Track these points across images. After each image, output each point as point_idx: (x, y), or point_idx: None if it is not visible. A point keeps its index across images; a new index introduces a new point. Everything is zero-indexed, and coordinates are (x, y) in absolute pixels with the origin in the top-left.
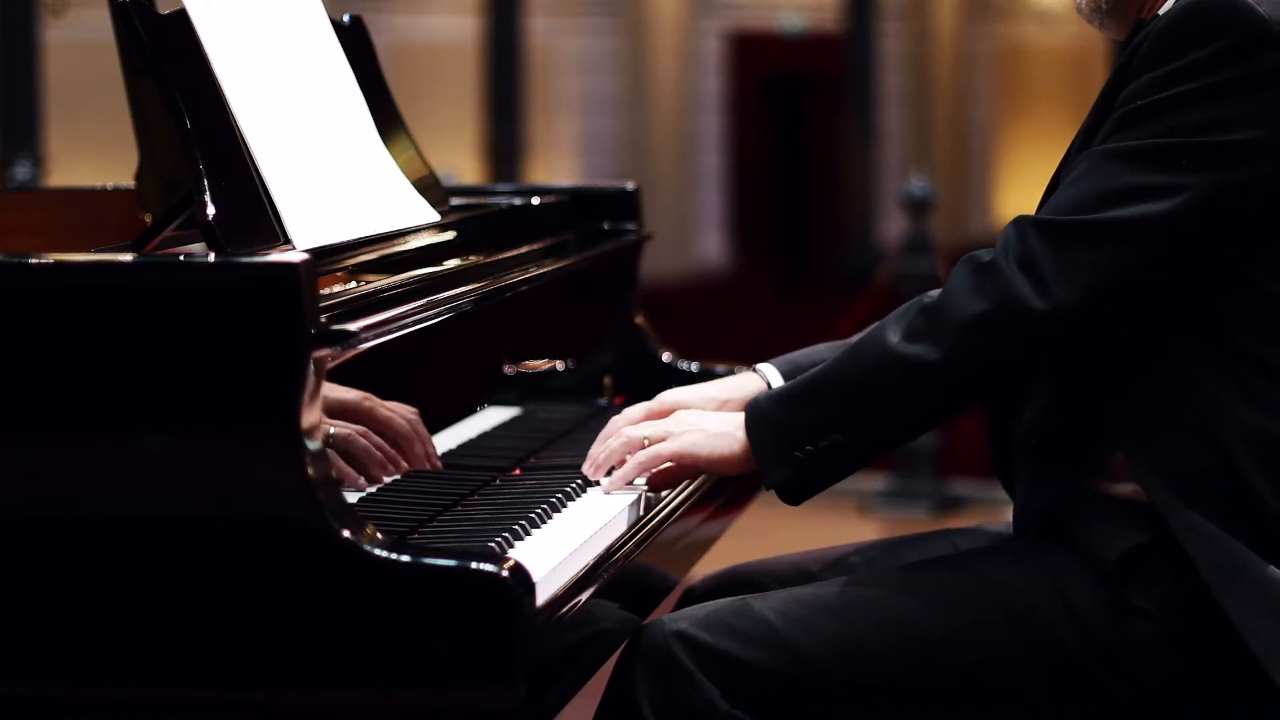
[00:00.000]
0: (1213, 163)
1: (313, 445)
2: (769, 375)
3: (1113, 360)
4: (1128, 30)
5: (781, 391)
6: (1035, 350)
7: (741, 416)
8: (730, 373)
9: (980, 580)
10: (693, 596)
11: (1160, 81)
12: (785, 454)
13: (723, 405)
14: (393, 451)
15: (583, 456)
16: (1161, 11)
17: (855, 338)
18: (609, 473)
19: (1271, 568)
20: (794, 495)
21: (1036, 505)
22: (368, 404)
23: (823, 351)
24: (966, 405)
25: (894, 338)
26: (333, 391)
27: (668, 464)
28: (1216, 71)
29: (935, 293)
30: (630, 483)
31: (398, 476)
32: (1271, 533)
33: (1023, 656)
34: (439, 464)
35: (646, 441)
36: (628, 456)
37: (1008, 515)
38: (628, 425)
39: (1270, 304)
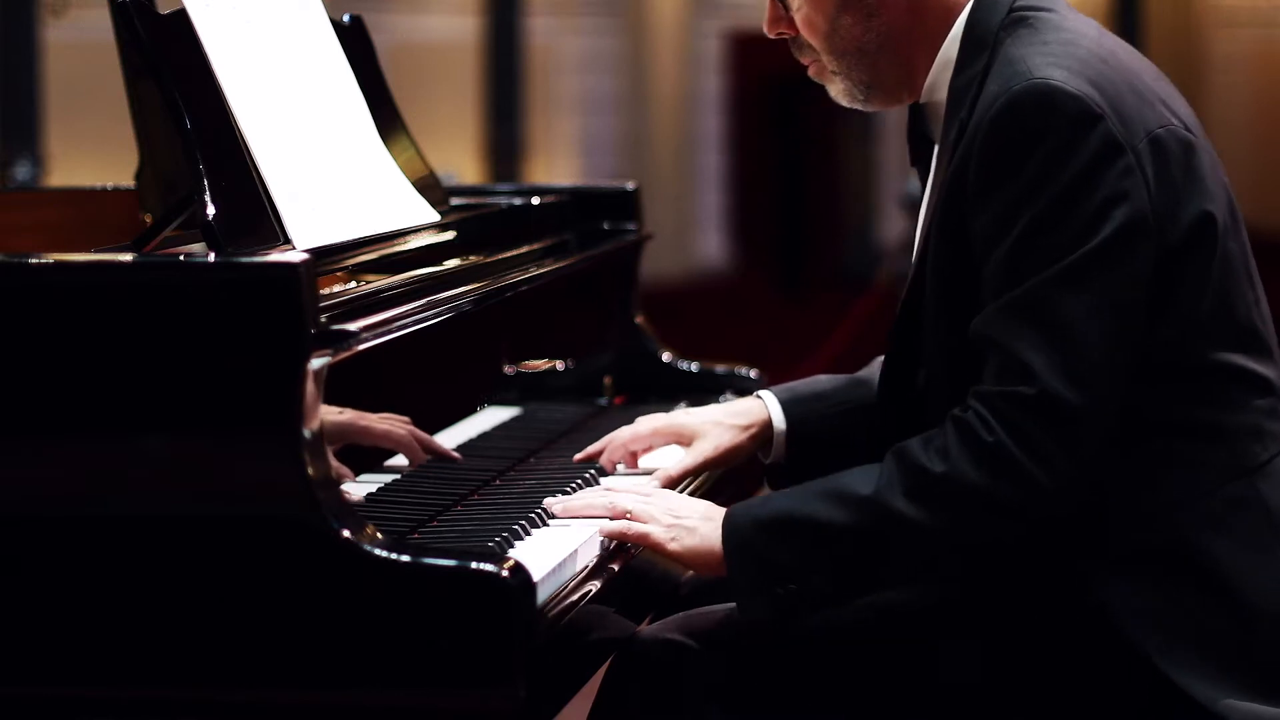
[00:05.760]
0: (1113, 258)
1: (313, 445)
2: (770, 404)
3: None
4: (893, 106)
5: (763, 516)
6: (1044, 524)
7: (720, 523)
8: (730, 373)
9: (985, 614)
10: (679, 597)
11: (1016, 207)
12: (765, 588)
13: (728, 429)
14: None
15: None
16: (925, 99)
17: (856, 374)
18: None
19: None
20: (763, 623)
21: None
22: (362, 423)
23: (824, 383)
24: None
25: (895, 499)
26: (326, 415)
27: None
28: (1061, 172)
29: (930, 457)
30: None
31: (397, 476)
32: (1222, 590)
33: (1027, 680)
34: (456, 455)
35: (628, 515)
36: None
37: None
38: (616, 499)
39: (1183, 369)
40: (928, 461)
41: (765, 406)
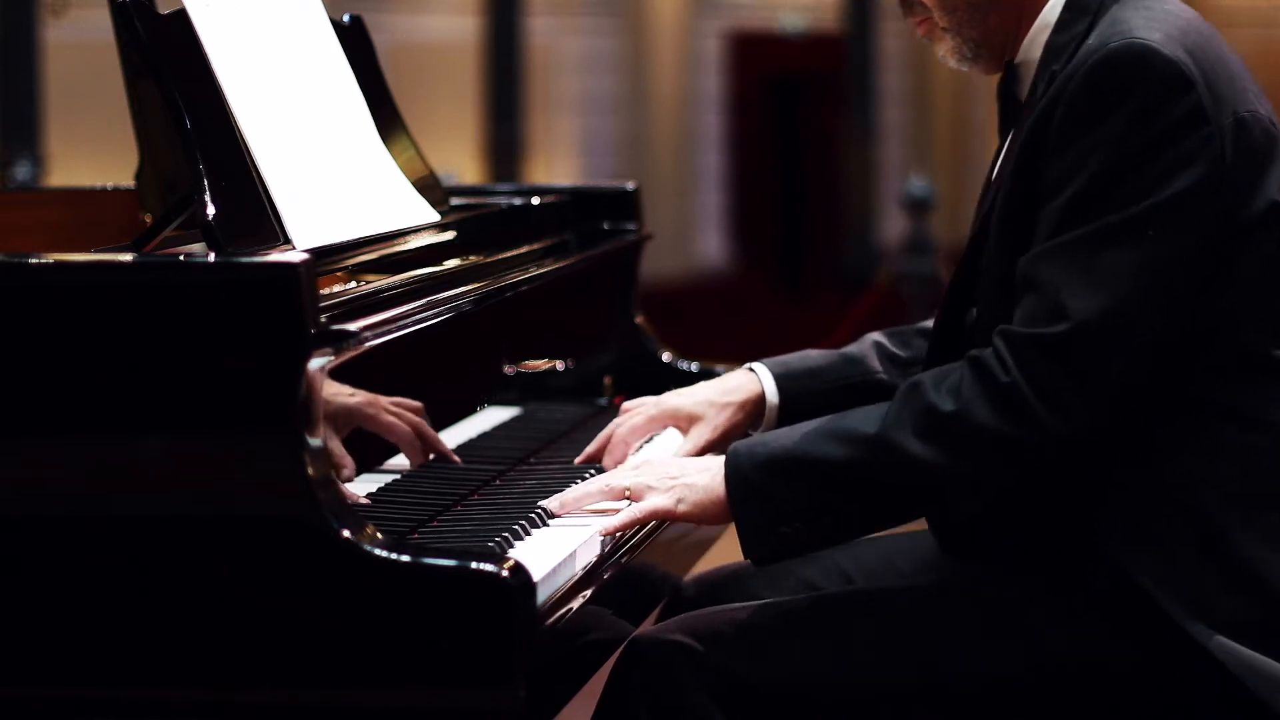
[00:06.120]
0: (1173, 217)
1: (313, 445)
2: (763, 377)
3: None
4: (997, 69)
5: (767, 457)
6: (1055, 471)
7: (721, 470)
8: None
9: (987, 606)
10: (681, 598)
11: (1088, 154)
12: (771, 528)
13: (723, 408)
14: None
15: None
16: (1020, 58)
17: (848, 348)
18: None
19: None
20: (768, 562)
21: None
22: (371, 410)
23: (815, 358)
24: (965, 508)
25: (904, 437)
26: (337, 397)
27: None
28: (1144, 129)
29: (941, 395)
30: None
31: (397, 476)
32: (1245, 577)
33: (1033, 680)
34: (456, 458)
35: (627, 493)
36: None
37: None
38: (610, 479)
39: (1225, 352)
40: (938, 400)
41: (758, 380)
